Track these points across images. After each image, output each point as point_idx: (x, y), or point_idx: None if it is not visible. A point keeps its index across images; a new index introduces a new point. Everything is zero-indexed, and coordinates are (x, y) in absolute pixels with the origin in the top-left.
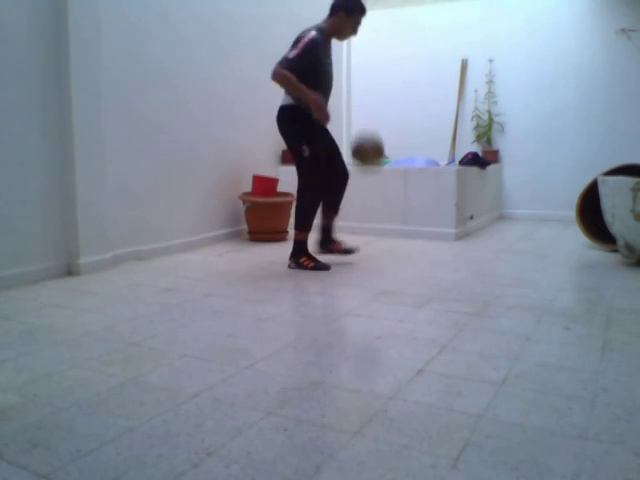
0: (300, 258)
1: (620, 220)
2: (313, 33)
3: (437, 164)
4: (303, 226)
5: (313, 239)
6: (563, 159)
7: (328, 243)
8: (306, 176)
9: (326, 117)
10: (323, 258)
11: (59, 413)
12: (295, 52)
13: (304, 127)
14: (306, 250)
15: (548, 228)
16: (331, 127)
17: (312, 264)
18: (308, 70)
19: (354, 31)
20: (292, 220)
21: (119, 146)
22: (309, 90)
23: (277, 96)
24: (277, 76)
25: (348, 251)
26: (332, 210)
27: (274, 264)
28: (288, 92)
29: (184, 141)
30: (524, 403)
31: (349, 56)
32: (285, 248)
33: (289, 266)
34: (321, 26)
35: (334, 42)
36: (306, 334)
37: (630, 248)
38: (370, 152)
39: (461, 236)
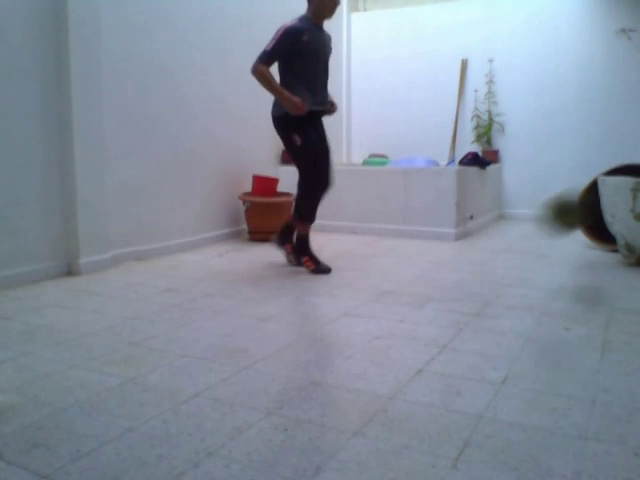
0: (303, 257)
1: (620, 220)
2: (289, 23)
3: (437, 164)
4: (303, 215)
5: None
6: (563, 159)
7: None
8: (303, 166)
9: (300, 108)
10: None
11: (59, 413)
12: (271, 44)
13: (296, 123)
14: (309, 249)
15: None
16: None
17: (313, 266)
18: (291, 58)
19: (335, 3)
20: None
21: (119, 146)
22: (281, 88)
23: None
24: (255, 71)
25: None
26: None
27: (274, 264)
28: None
29: (184, 141)
30: (524, 403)
31: (349, 56)
32: None
33: (288, 259)
34: (304, 15)
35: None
36: (306, 334)
37: (630, 248)
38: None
39: (461, 236)
